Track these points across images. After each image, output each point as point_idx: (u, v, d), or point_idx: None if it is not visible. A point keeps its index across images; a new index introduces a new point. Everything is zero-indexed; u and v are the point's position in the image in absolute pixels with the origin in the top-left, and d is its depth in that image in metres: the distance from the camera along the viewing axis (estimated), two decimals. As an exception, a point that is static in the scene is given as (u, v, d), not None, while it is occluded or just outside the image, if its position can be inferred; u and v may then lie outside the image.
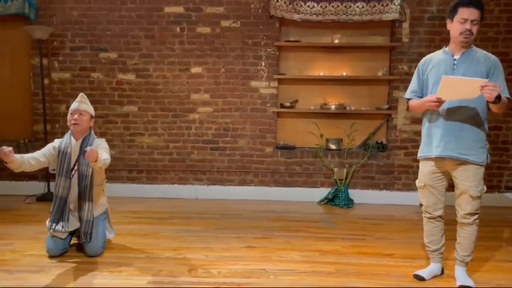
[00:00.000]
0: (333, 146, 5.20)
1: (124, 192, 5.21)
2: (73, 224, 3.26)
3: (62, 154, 3.21)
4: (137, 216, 4.42)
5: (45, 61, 5.12)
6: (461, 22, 2.62)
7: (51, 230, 3.22)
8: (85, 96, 3.33)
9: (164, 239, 3.70)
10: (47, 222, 3.28)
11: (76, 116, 3.21)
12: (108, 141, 5.26)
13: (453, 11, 2.66)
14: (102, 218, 3.38)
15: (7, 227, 4.00)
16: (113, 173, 5.26)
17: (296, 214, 4.60)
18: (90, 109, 3.33)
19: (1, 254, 3.31)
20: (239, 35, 5.12)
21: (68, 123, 3.26)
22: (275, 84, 5.17)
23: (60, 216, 3.23)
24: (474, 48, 2.75)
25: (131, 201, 5.02)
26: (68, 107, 3.93)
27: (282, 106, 5.20)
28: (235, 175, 5.27)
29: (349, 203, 4.97)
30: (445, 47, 2.82)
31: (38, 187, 5.20)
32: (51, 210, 3.27)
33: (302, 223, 4.28)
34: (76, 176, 3.21)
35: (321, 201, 5.11)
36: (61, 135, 4.25)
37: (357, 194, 5.12)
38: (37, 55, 5.09)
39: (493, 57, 2.71)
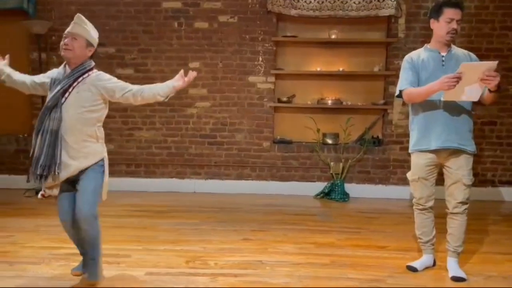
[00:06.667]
0: (329, 141, 5.25)
1: (123, 186, 5.25)
2: (67, 168, 2.56)
3: (53, 82, 2.67)
4: (136, 209, 4.48)
5: (43, 56, 5.14)
6: (448, 21, 2.73)
7: (44, 179, 2.54)
8: (83, 17, 2.68)
9: (163, 232, 3.76)
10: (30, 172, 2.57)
11: (67, 40, 2.61)
12: (106, 135, 5.29)
13: (438, 11, 2.77)
14: (96, 169, 2.67)
15: (7, 220, 4.05)
16: (111, 167, 5.16)
17: (292, 208, 4.65)
18: (87, 33, 2.66)
19: (2, 246, 3.36)
20: (237, 30, 5.15)
21: (60, 50, 2.70)
22: (272, 79, 5.21)
23: (52, 155, 2.52)
24: (453, 45, 2.89)
25: (129, 195, 5.07)
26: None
27: (279, 101, 5.25)
28: (233, 169, 5.32)
29: (345, 197, 5.04)
30: (427, 45, 2.92)
31: (37, 181, 5.24)
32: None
33: (298, 216, 4.34)
34: (66, 107, 2.58)
35: (317, 195, 5.17)
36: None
37: (353, 188, 5.18)
38: (36, 49, 5.10)
39: (472, 54, 2.90)
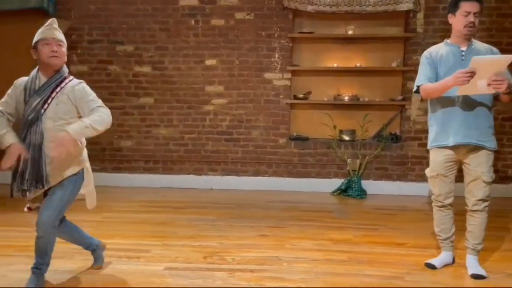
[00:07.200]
0: (346, 137, 5.22)
1: (141, 182, 5.33)
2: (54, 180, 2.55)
3: (28, 92, 2.54)
4: (154, 205, 4.53)
5: (63, 54, 5.23)
6: (465, 15, 2.71)
7: (27, 193, 2.54)
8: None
9: (180, 228, 3.80)
10: (15, 187, 2.52)
11: (55, 47, 2.55)
12: (124, 132, 5.44)
13: (455, 6, 2.75)
14: (71, 179, 2.61)
15: (30, 215, 4.13)
16: (130, 163, 5.38)
17: (309, 204, 4.65)
18: (64, 39, 2.67)
19: (25, 241, 3.43)
20: (253, 27, 5.15)
21: (36, 56, 2.61)
22: (289, 75, 5.20)
23: (37, 170, 2.49)
24: (473, 40, 2.84)
25: (147, 191, 5.14)
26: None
27: (295, 97, 5.24)
28: (249, 166, 5.34)
29: (362, 193, 5.01)
30: (447, 40, 2.89)
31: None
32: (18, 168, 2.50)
33: (315, 213, 4.34)
34: (45, 120, 2.50)
35: (334, 191, 5.15)
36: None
37: (370, 185, 5.15)
38: (56, 48, 5.19)
39: (494, 48, 2.83)
